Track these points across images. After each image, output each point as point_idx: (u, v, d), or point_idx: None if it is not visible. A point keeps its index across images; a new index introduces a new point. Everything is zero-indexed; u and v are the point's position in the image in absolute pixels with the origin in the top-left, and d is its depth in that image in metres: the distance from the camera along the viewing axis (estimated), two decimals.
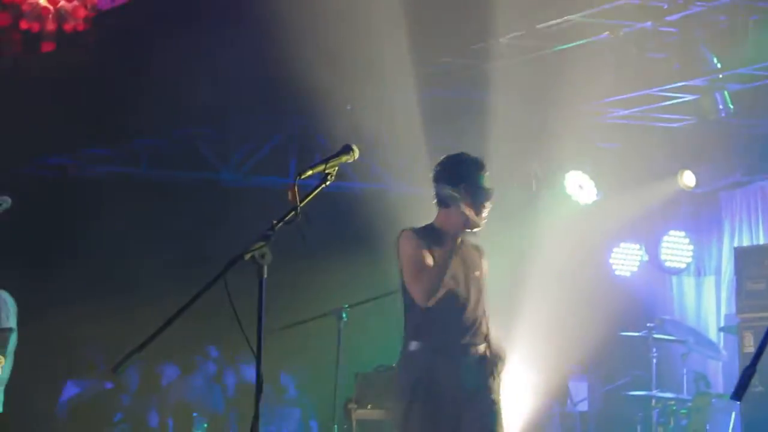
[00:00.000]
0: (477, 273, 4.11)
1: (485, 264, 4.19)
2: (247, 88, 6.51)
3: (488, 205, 4.10)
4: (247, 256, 2.88)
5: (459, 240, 3.97)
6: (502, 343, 4.21)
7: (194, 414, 7.31)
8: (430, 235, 4.00)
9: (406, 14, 5.74)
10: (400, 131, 6.61)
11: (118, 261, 7.39)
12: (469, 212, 3.96)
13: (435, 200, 4.08)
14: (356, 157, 3.21)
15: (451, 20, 5.81)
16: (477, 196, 4.01)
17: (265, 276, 2.92)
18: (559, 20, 5.85)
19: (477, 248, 4.21)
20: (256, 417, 2.78)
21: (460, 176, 4.06)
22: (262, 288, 2.92)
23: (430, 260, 3.94)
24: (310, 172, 3.06)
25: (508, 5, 5.62)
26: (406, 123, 6.45)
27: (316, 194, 3.03)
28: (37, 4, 6.94)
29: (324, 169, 3.09)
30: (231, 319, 2.81)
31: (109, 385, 7.53)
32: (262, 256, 2.93)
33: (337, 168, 3.12)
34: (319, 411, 7.90)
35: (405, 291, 3.99)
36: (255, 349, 2.80)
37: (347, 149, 3.18)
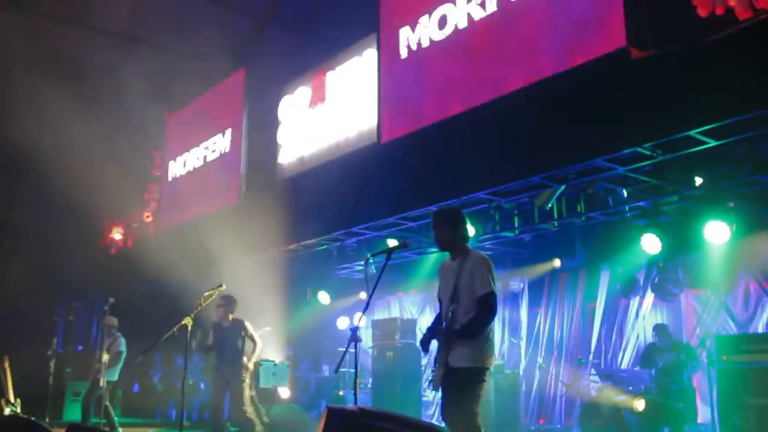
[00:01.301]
0: (237, 334, 9.01)
1: (248, 326, 9.08)
2: None
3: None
4: (183, 322, 6.80)
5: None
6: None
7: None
8: None
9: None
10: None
11: None
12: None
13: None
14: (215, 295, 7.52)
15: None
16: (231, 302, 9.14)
17: (190, 330, 6.77)
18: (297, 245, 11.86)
19: (242, 323, 9.00)
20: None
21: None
22: (188, 337, 6.75)
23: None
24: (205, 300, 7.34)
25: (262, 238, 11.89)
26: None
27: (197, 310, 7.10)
28: None
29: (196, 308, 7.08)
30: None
31: None
32: (187, 325, 6.73)
33: (207, 301, 7.37)
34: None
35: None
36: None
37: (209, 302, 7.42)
